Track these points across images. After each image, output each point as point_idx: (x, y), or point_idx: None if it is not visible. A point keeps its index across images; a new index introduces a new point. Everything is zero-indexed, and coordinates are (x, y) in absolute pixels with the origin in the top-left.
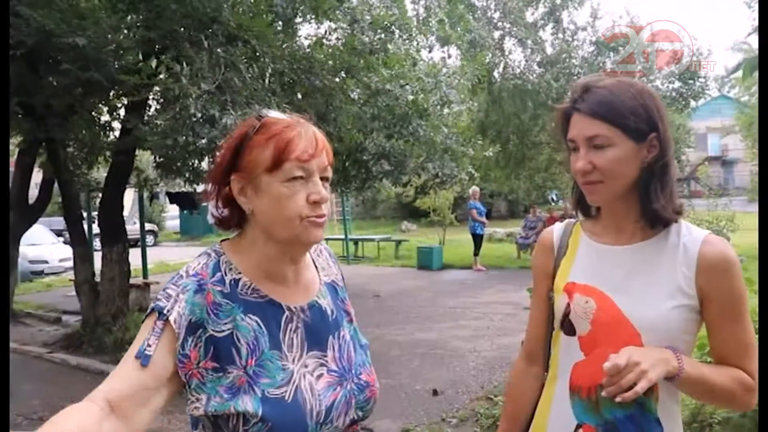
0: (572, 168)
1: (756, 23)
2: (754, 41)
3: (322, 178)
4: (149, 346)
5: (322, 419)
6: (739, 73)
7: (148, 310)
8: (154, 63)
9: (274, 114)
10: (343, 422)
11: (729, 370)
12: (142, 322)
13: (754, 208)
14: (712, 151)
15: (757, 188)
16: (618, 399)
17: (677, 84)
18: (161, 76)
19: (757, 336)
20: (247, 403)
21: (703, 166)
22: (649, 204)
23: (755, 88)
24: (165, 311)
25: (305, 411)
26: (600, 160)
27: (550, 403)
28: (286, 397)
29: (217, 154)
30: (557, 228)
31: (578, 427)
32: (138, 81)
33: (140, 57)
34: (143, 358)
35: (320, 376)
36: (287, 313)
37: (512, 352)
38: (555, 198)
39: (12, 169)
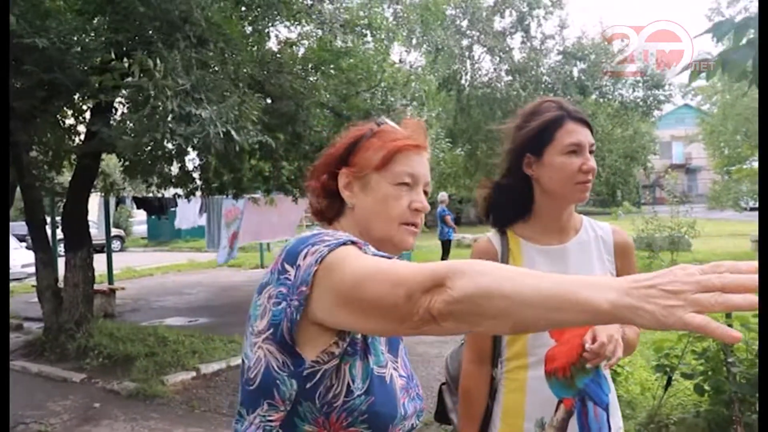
0: (575, 168)
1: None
2: (705, 44)
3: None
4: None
5: (404, 413)
6: (702, 80)
7: (334, 245)
8: (126, 63)
9: (391, 123)
10: (409, 425)
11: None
12: (317, 262)
13: (715, 215)
14: (677, 159)
15: (715, 196)
16: (605, 367)
17: (642, 93)
18: (131, 77)
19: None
20: (359, 370)
21: (670, 174)
22: None
23: (716, 98)
24: (360, 242)
25: (397, 398)
26: (594, 165)
27: (524, 388)
28: (386, 379)
29: (326, 148)
30: (493, 236)
31: (559, 402)
32: (110, 82)
33: (112, 56)
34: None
35: (398, 376)
36: None
37: None
38: None
39: None
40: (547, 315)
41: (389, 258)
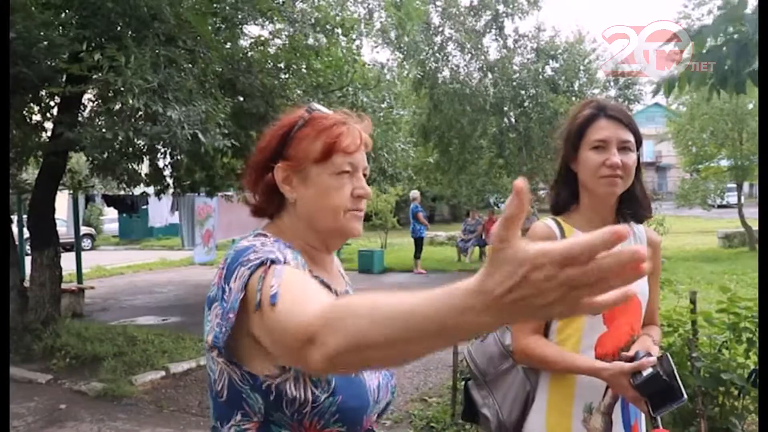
0: (598, 162)
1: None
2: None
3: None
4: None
5: (377, 397)
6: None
7: (254, 267)
8: (97, 55)
9: (322, 109)
10: (384, 403)
11: (655, 327)
12: (243, 288)
13: (683, 212)
14: (647, 157)
15: (683, 194)
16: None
17: (614, 92)
18: (100, 71)
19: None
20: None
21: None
22: (635, 202)
23: (685, 98)
24: (278, 259)
25: (366, 387)
26: (627, 161)
27: (574, 375)
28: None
29: (259, 141)
30: (551, 224)
31: (608, 387)
32: (75, 70)
33: (82, 48)
34: (272, 298)
35: None
36: (335, 295)
37: (447, 354)
38: (495, 202)
39: None
40: (431, 346)
41: (298, 279)
